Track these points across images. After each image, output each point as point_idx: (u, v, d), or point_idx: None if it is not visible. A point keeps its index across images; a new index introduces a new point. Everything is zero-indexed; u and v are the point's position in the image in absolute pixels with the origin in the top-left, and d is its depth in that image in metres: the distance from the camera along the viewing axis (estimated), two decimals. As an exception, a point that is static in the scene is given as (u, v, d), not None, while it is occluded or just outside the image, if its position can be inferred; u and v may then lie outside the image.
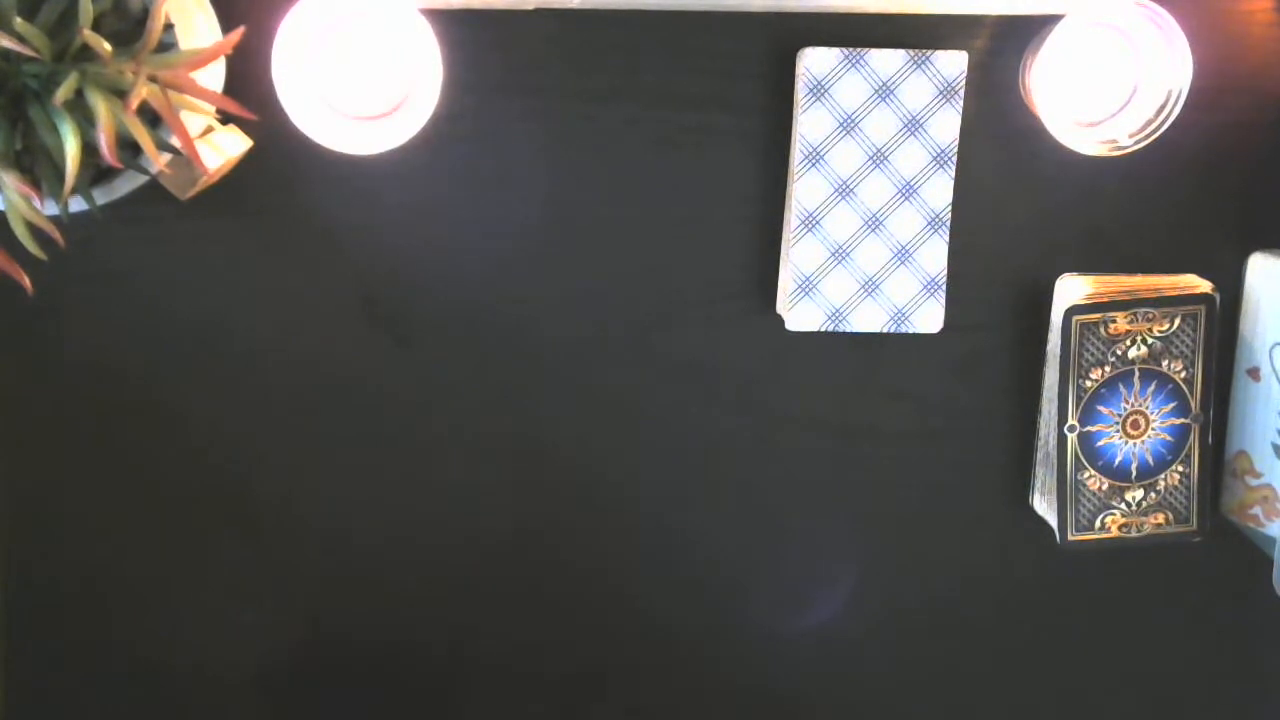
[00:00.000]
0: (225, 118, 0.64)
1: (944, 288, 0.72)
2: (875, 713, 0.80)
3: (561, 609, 0.78)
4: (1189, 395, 0.73)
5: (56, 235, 0.57)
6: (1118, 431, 0.73)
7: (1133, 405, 0.73)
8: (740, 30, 0.71)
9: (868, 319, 0.72)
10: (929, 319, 0.73)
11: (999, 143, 0.73)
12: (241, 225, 0.72)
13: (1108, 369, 0.73)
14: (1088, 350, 0.72)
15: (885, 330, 0.73)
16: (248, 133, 0.66)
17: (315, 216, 0.72)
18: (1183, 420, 0.74)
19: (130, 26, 0.59)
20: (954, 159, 0.71)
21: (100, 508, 0.74)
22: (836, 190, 0.71)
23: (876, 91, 0.70)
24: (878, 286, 0.72)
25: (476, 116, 0.71)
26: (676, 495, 0.75)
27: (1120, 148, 0.69)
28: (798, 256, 0.71)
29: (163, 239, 0.71)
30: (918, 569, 0.79)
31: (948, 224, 0.72)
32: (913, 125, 0.70)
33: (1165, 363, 0.73)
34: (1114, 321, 0.72)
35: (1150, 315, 0.72)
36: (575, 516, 0.76)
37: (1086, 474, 0.74)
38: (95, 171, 0.61)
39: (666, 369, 0.75)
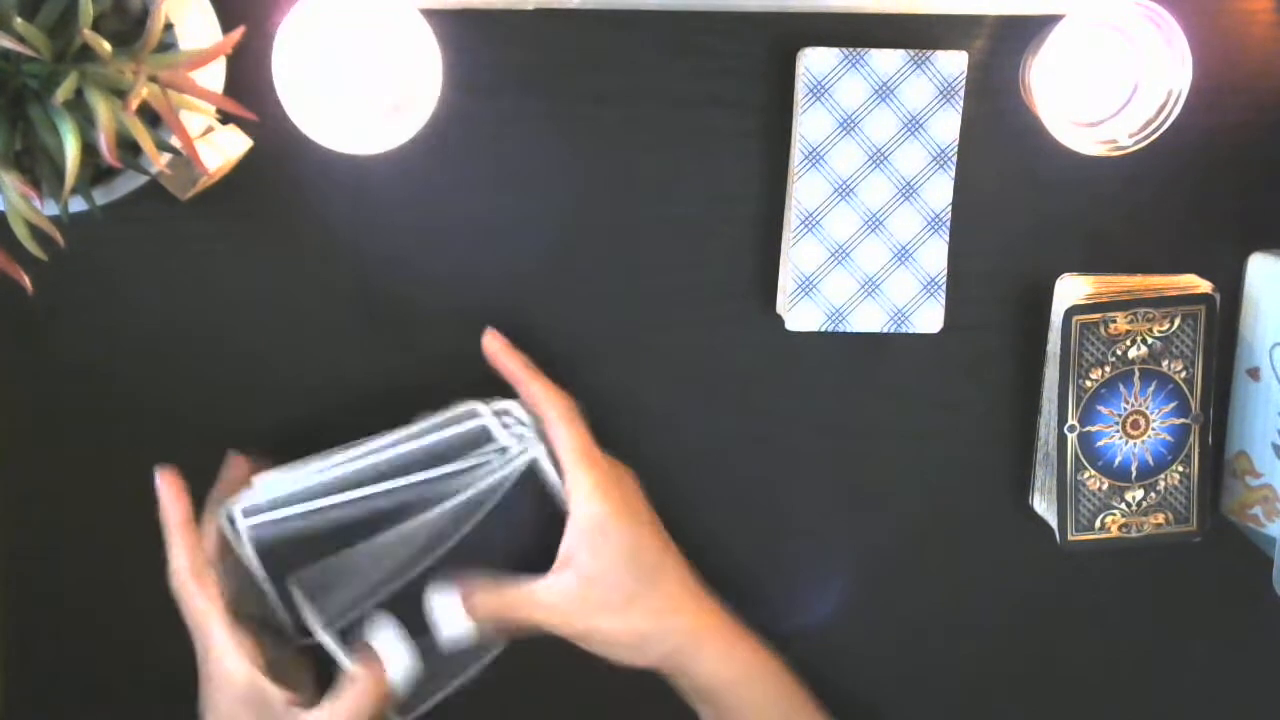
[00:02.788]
0: (225, 118, 0.64)
1: (944, 288, 0.72)
2: (874, 712, 0.80)
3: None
4: (1189, 395, 0.73)
5: (56, 235, 0.57)
6: (1118, 431, 0.73)
7: (1133, 405, 0.73)
8: (740, 30, 0.71)
9: (868, 319, 0.72)
10: (929, 319, 0.73)
11: (999, 143, 0.73)
12: (241, 225, 0.72)
13: (1108, 369, 0.73)
14: (1088, 350, 0.72)
15: (885, 330, 0.73)
16: (248, 133, 0.66)
17: (315, 216, 0.72)
18: (1183, 420, 0.74)
19: (130, 26, 0.59)
20: (954, 159, 0.71)
21: (99, 508, 0.74)
22: (836, 190, 0.71)
23: (876, 91, 0.70)
24: (878, 286, 0.72)
25: (476, 116, 0.71)
26: (676, 495, 0.75)
27: (1120, 148, 0.69)
28: (798, 256, 0.71)
29: (163, 239, 0.71)
30: (917, 569, 0.79)
31: (948, 224, 0.72)
32: (913, 125, 0.70)
33: (1165, 363, 0.73)
34: (1114, 321, 0.72)
35: (1150, 315, 0.72)
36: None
37: (1086, 474, 0.74)
38: (95, 171, 0.61)
39: (666, 369, 0.75)
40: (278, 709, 0.64)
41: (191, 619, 0.66)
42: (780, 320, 0.73)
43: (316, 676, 0.68)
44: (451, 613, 0.65)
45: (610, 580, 0.66)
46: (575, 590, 0.65)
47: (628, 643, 0.67)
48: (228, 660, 0.64)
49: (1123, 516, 0.75)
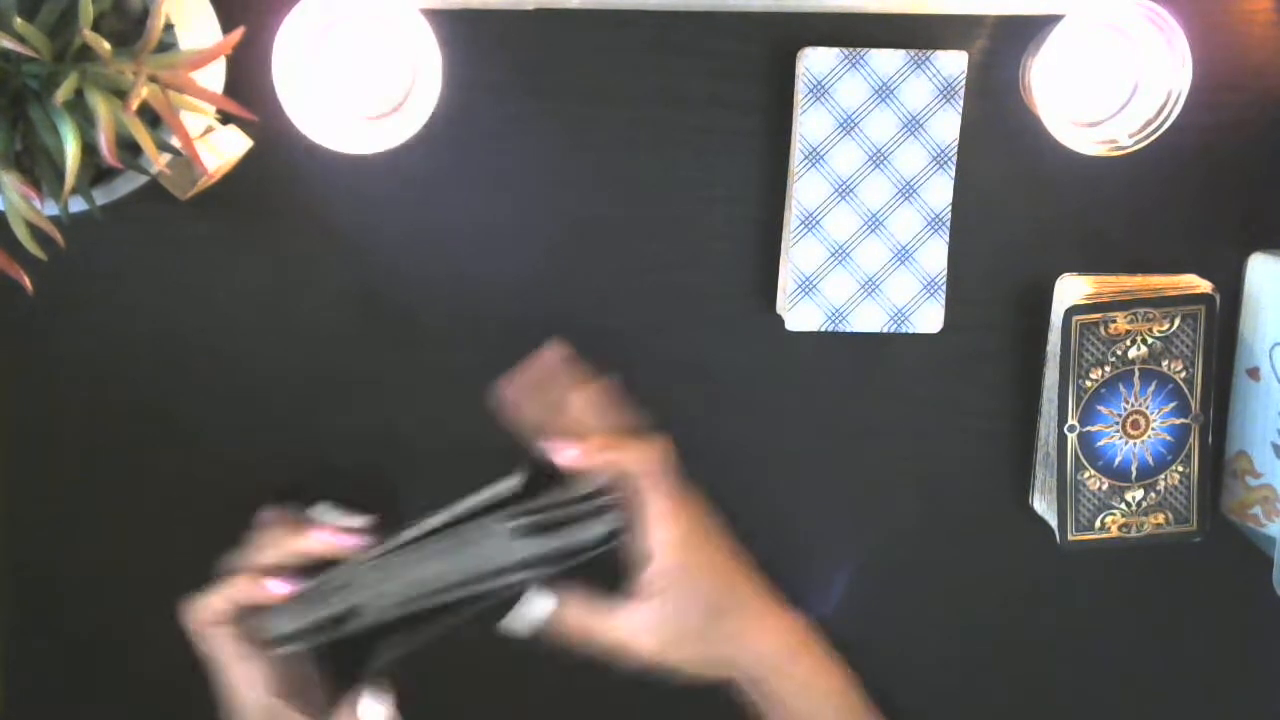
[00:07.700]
0: (225, 118, 0.64)
1: (944, 288, 0.72)
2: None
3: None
4: (1189, 395, 0.73)
5: (56, 235, 0.57)
6: (1118, 431, 0.73)
7: (1133, 405, 0.73)
8: (740, 30, 0.71)
9: (868, 319, 0.72)
10: (929, 319, 0.73)
11: (999, 143, 0.73)
12: (241, 225, 0.72)
13: (1108, 369, 0.73)
14: (1088, 350, 0.72)
15: (885, 330, 0.73)
16: (248, 133, 0.66)
17: (315, 216, 0.72)
18: (1183, 420, 0.74)
19: (130, 26, 0.59)
20: (954, 159, 0.71)
21: (99, 508, 0.74)
22: (836, 190, 0.71)
23: (876, 91, 0.70)
24: (878, 286, 0.72)
25: (476, 116, 0.71)
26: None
27: (1120, 148, 0.69)
28: (798, 256, 0.71)
29: (163, 239, 0.71)
30: (917, 569, 0.79)
31: (948, 224, 0.72)
32: (913, 125, 0.70)
33: (1165, 363, 0.73)
34: (1114, 321, 0.72)
35: (1150, 315, 0.72)
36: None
37: (1086, 474, 0.74)
38: (95, 171, 0.61)
39: (666, 369, 0.75)
40: None
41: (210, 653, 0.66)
42: (780, 320, 0.73)
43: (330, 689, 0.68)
44: (539, 612, 0.65)
45: (689, 620, 0.66)
46: (653, 623, 0.65)
47: (699, 669, 0.67)
48: (247, 691, 0.64)
49: (1123, 516, 0.75)
